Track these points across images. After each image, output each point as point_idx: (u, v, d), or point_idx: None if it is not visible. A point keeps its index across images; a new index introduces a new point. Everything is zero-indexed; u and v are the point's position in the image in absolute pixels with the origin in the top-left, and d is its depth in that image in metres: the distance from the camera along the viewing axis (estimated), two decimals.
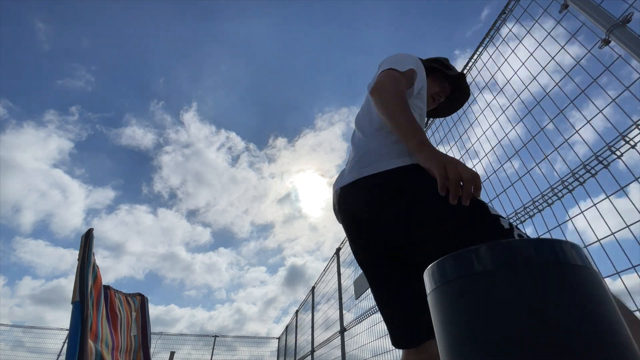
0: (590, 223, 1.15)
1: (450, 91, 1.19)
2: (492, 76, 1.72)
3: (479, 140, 1.77)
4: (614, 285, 1.03)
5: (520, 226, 1.47)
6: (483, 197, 1.66)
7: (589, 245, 1.13)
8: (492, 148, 1.65)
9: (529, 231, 1.43)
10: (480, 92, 1.81)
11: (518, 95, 1.54)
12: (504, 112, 1.61)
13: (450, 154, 2.01)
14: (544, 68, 1.41)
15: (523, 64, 1.53)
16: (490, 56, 1.75)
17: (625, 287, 1.01)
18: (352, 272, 3.63)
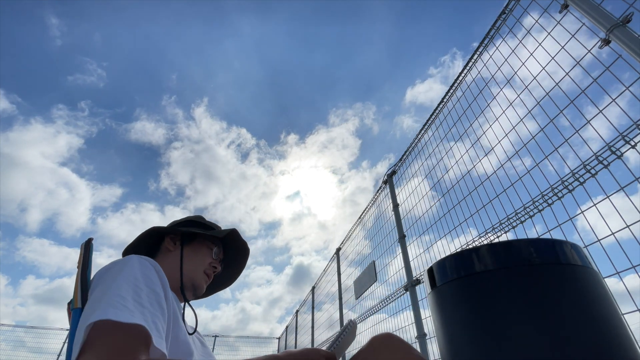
0: (592, 223, 1.15)
1: (223, 254, 1.01)
2: (492, 76, 1.72)
3: (478, 140, 1.77)
4: (617, 286, 1.03)
5: (520, 226, 1.47)
6: (483, 197, 1.67)
7: (589, 245, 1.13)
8: (492, 148, 1.65)
9: (530, 231, 1.43)
10: (481, 92, 1.82)
11: (518, 96, 1.54)
12: (504, 112, 1.61)
13: (454, 150, 2.01)
14: (543, 68, 1.41)
15: (523, 64, 1.53)
16: (491, 56, 1.75)
17: (626, 287, 1.01)
18: (352, 272, 3.63)
